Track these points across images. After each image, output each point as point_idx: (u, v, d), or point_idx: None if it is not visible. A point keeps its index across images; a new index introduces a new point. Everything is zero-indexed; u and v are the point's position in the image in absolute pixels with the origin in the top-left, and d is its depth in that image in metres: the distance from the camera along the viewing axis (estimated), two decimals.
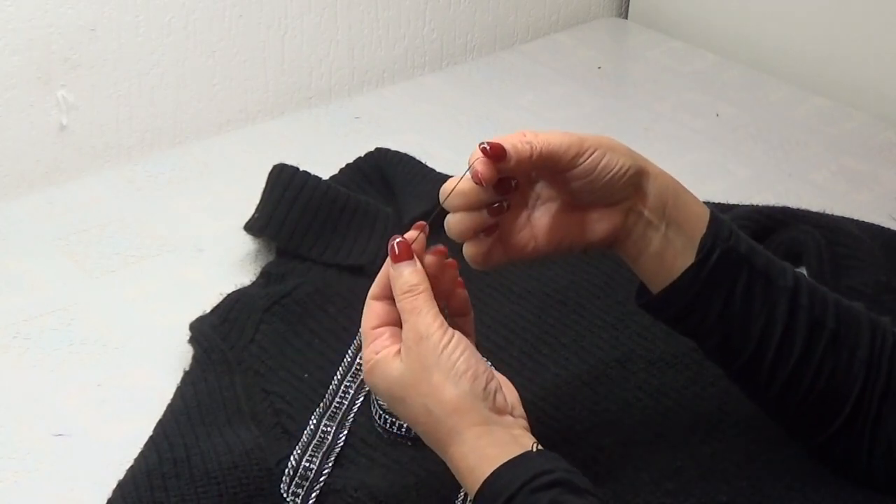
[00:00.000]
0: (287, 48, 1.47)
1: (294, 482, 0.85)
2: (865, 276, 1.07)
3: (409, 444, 0.88)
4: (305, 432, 0.90)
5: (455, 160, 1.14)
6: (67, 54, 1.27)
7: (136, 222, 1.21)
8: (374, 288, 0.75)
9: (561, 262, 1.11)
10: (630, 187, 0.75)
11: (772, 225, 1.16)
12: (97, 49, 1.30)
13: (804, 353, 0.77)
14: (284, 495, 0.84)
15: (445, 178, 1.19)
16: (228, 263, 1.14)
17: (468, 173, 0.72)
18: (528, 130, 0.73)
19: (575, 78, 1.59)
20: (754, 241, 0.80)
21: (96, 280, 1.12)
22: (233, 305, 1.04)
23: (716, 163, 1.37)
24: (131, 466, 0.86)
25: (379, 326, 0.74)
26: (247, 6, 1.41)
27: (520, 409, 0.73)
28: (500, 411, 0.71)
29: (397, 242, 0.73)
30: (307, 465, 0.86)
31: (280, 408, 0.93)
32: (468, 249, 0.76)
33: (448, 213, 0.75)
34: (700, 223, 0.77)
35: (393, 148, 1.28)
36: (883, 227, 1.20)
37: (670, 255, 0.76)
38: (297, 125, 1.44)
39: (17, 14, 1.22)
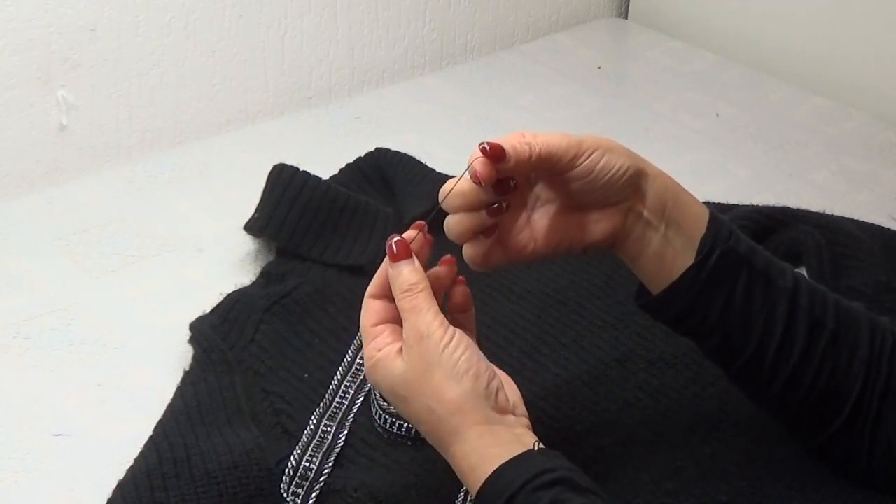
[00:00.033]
0: (287, 48, 1.47)
1: (294, 482, 0.85)
2: (865, 276, 1.07)
3: (409, 444, 0.88)
4: (305, 432, 0.90)
5: (455, 160, 1.14)
6: (67, 54, 1.28)
7: (136, 222, 1.21)
8: (372, 287, 0.75)
9: (561, 262, 1.11)
10: (629, 188, 0.75)
11: (772, 225, 1.16)
12: (97, 49, 1.30)
13: (804, 354, 0.77)
14: (284, 495, 0.84)
15: (445, 178, 1.20)
16: (228, 263, 1.14)
17: (467, 173, 0.72)
18: (526, 132, 0.73)
19: (575, 78, 1.59)
20: (754, 241, 0.80)
21: (96, 280, 1.12)
22: (233, 305, 1.04)
23: (716, 163, 1.37)
24: (131, 466, 0.86)
25: (379, 324, 0.74)
26: (247, 6, 1.41)
27: (521, 408, 0.73)
28: (502, 410, 0.71)
29: (395, 241, 0.73)
30: (307, 465, 0.86)
31: (280, 408, 0.93)
32: (467, 251, 0.76)
33: (448, 214, 0.75)
34: (700, 223, 0.77)
35: (393, 148, 1.28)
36: (883, 227, 1.20)
37: (670, 256, 0.76)
38: (297, 125, 1.44)
39: (17, 14, 1.22)
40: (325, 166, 1.23)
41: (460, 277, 0.77)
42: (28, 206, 1.24)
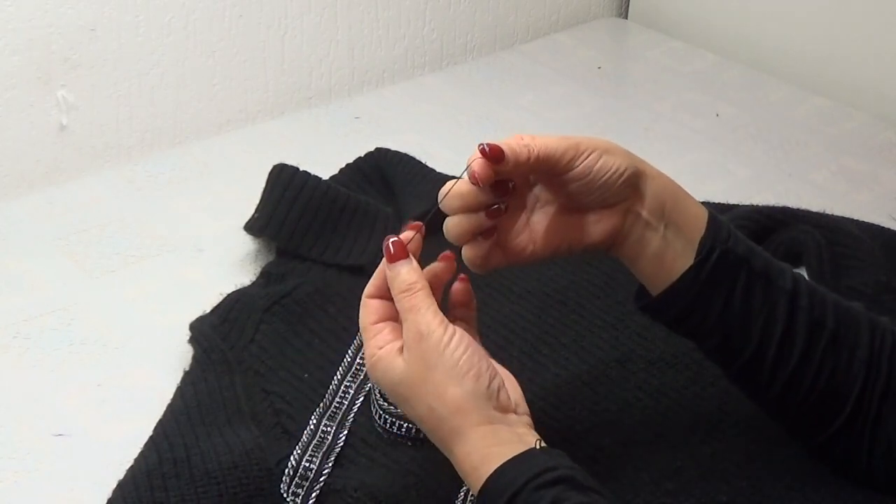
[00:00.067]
0: (287, 48, 1.47)
1: (294, 482, 0.85)
2: (865, 276, 1.07)
3: (409, 444, 0.88)
4: (305, 432, 0.90)
5: (455, 160, 1.14)
6: (67, 54, 1.28)
7: (136, 222, 1.21)
8: (370, 287, 0.75)
9: (561, 262, 1.11)
10: (627, 189, 0.75)
11: (772, 225, 1.16)
12: (97, 49, 1.30)
13: (804, 354, 0.77)
14: (284, 495, 0.84)
15: (445, 178, 1.20)
16: (228, 263, 1.14)
17: (465, 175, 0.72)
18: (524, 134, 0.73)
19: (575, 78, 1.59)
20: (754, 241, 0.80)
21: (96, 280, 1.12)
22: (233, 305, 1.04)
23: (716, 163, 1.37)
24: (131, 466, 0.86)
25: (378, 322, 0.74)
26: (247, 6, 1.41)
27: (523, 406, 0.73)
28: (503, 409, 0.71)
29: (392, 242, 0.74)
30: (307, 465, 0.86)
31: (280, 408, 0.93)
32: (467, 252, 0.76)
33: (447, 216, 0.75)
34: (699, 224, 0.77)
35: (393, 148, 1.28)
36: (883, 227, 1.20)
37: (669, 257, 0.76)
38: (297, 125, 1.44)
39: (17, 14, 1.22)
40: (325, 166, 1.23)
41: (462, 276, 0.77)
42: (28, 206, 1.24)
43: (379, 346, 0.73)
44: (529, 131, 0.74)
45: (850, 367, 0.77)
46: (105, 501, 0.83)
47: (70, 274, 1.12)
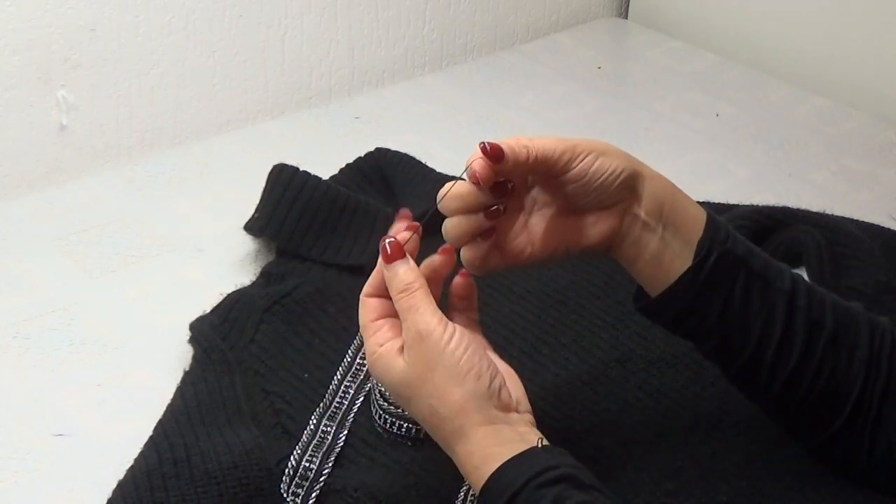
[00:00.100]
0: (287, 48, 1.47)
1: (294, 482, 0.85)
2: (865, 276, 1.07)
3: (409, 444, 0.88)
4: (305, 432, 0.90)
5: (455, 160, 1.14)
6: (67, 54, 1.28)
7: (136, 222, 1.21)
8: (367, 287, 0.75)
9: (561, 262, 1.11)
10: (624, 190, 0.76)
11: (772, 225, 1.16)
12: (97, 49, 1.30)
13: (803, 354, 0.77)
14: (284, 495, 0.84)
15: (445, 178, 1.20)
16: (228, 263, 1.14)
17: (465, 175, 0.72)
18: (522, 136, 0.73)
19: (575, 78, 1.59)
20: (754, 241, 0.80)
21: (96, 280, 1.12)
22: (233, 305, 1.04)
23: (716, 163, 1.37)
24: (131, 466, 0.86)
25: (377, 319, 0.74)
26: (247, 6, 1.41)
27: (525, 403, 0.74)
28: (505, 408, 0.71)
29: (389, 242, 0.73)
30: (307, 465, 0.86)
31: (280, 408, 0.93)
32: (465, 254, 0.76)
33: (445, 217, 0.75)
34: (697, 225, 0.77)
35: (393, 148, 1.28)
36: (883, 227, 1.20)
37: (668, 258, 0.76)
38: (297, 125, 1.44)
39: (17, 14, 1.22)
40: (325, 166, 1.23)
41: (464, 270, 0.77)
42: (28, 206, 1.24)
43: (379, 343, 0.73)
44: (529, 131, 0.74)
45: (849, 368, 0.77)
46: (105, 501, 0.83)
47: (70, 274, 1.12)
